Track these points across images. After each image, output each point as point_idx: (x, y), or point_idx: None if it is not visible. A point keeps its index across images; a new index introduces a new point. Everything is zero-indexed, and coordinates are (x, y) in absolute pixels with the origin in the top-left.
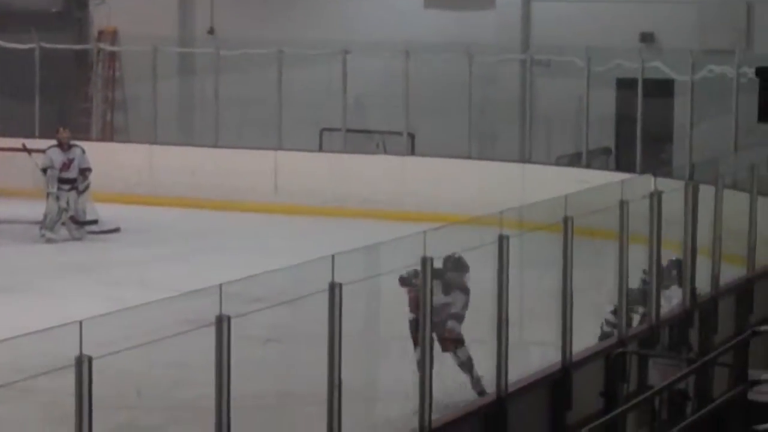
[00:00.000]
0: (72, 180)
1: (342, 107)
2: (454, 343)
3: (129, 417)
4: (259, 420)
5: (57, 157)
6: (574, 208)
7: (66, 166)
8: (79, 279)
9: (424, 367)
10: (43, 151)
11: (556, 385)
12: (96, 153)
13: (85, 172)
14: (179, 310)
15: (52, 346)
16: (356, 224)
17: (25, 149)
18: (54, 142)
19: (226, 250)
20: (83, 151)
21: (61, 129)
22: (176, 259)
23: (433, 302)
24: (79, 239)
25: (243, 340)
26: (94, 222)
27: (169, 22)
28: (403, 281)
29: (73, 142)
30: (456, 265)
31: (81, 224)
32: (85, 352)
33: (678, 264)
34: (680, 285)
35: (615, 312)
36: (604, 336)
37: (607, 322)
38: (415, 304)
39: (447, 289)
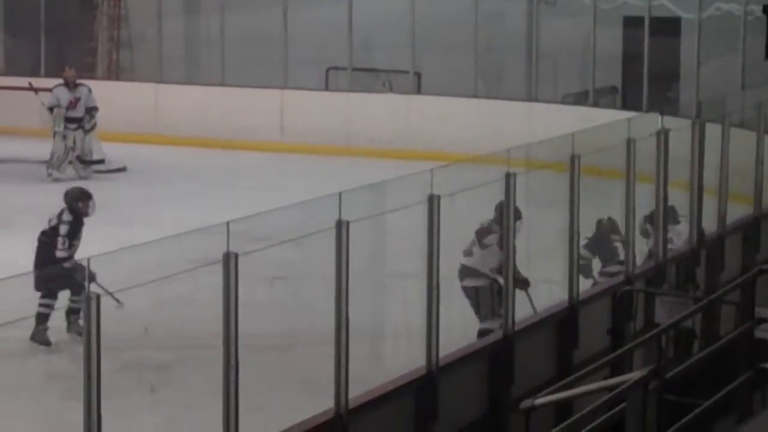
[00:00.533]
0: (79, 119)
1: (348, 46)
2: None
3: (137, 355)
4: (267, 358)
5: (64, 95)
6: (580, 147)
7: (73, 104)
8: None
9: (431, 304)
10: (49, 90)
11: (563, 323)
12: (102, 92)
13: (91, 111)
14: (186, 248)
15: None
16: (362, 163)
17: (31, 88)
18: (60, 81)
19: (232, 189)
20: (90, 90)
21: (67, 68)
22: (182, 198)
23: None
24: (85, 178)
25: (250, 279)
26: (101, 161)
27: None
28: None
29: (79, 81)
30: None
31: (88, 163)
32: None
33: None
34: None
35: (586, 246)
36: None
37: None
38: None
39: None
